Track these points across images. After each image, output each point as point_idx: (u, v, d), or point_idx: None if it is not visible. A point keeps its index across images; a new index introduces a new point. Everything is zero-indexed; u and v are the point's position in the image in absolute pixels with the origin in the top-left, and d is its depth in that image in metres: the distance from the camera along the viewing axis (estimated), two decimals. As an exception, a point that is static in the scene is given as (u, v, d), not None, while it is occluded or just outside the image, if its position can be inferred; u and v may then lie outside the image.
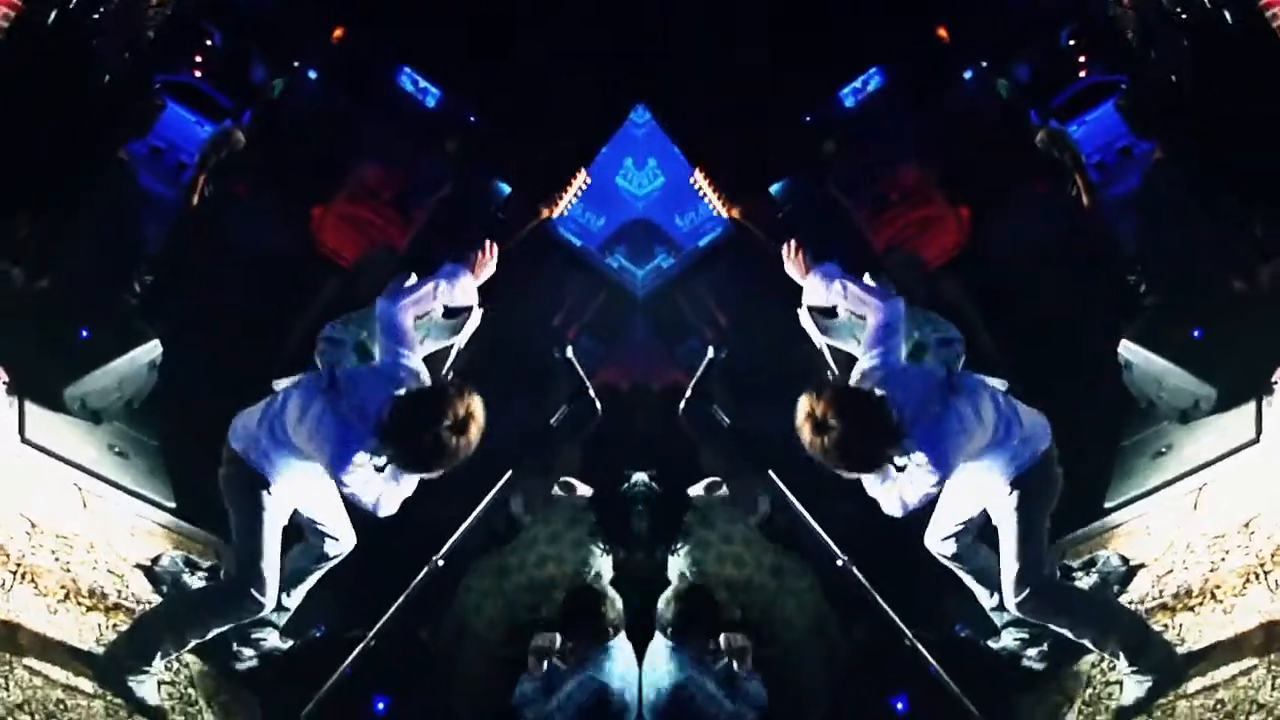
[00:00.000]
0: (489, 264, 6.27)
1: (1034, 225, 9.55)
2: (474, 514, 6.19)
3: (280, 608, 6.16)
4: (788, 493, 5.69)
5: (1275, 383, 7.03)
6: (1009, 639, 6.12)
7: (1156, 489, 6.96)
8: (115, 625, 6.09)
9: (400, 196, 10.00)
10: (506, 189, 10.18)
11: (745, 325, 11.55)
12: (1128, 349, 7.48)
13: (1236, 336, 7.36)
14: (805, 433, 4.93)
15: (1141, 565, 6.39)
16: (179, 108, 9.59)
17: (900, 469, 5.03)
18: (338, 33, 10.47)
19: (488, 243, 6.33)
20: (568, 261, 9.90)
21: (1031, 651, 6.07)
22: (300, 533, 6.13)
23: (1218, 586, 5.71)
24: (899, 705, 5.81)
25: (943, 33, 10.85)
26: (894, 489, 5.18)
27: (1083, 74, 10.87)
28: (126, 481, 6.99)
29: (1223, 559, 5.90)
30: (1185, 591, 5.88)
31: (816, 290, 5.63)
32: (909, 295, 7.88)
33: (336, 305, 7.36)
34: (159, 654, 5.69)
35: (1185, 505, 6.61)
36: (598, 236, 10.15)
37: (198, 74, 9.81)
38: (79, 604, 6.10)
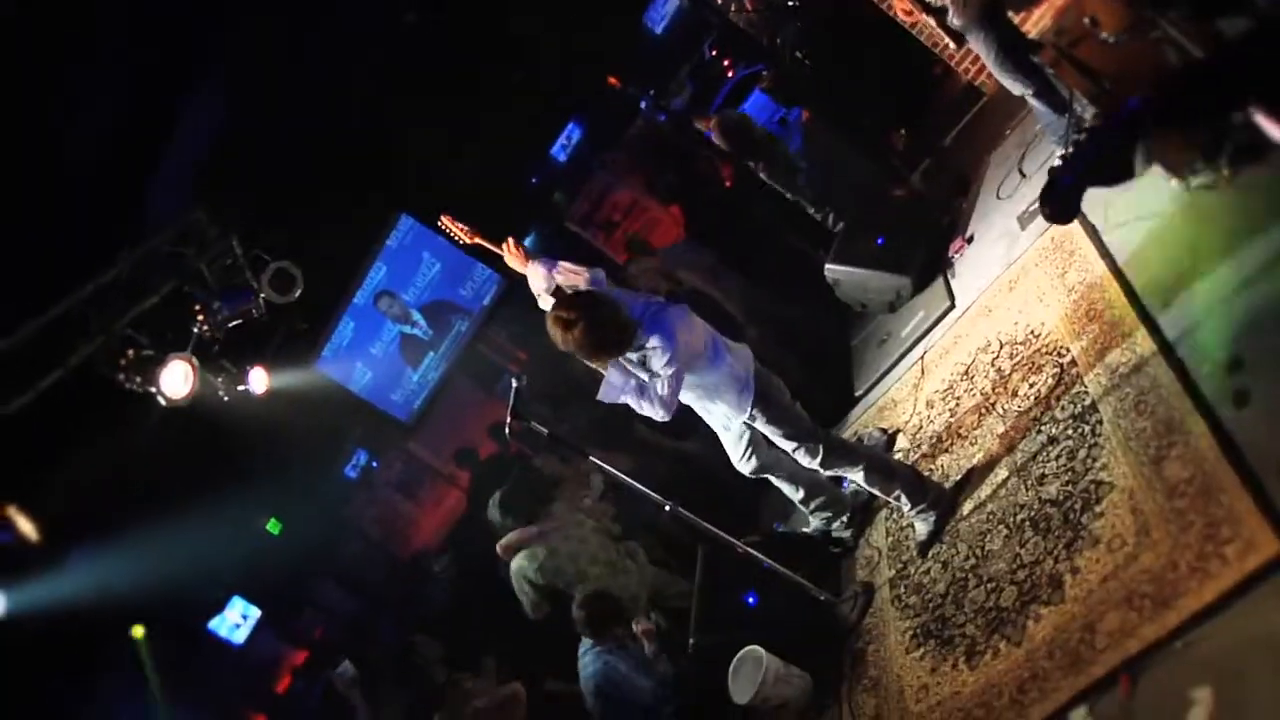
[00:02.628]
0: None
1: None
2: None
3: None
4: (609, 467, 5.47)
5: (952, 258, 7.10)
6: (817, 521, 6.02)
7: (888, 370, 7.00)
8: None
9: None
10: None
11: (538, 352, 11.50)
12: (832, 269, 7.48)
13: (911, 232, 7.42)
14: (557, 335, 4.88)
15: (898, 430, 6.36)
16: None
17: (640, 357, 5.01)
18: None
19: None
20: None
21: (837, 524, 5.98)
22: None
23: (960, 426, 5.69)
24: (750, 600, 5.71)
25: (614, 81, 10.83)
26: (651, 395, 4.99)
27: (730, 74, 11.05)
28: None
29: (957, 404, 5.88)
30: (937, 439, 5.85)
31: (536, 274, 5.46)
32: (656, 289, 7.85)
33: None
34: None
35: (915, 373, 6.61)
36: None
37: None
38: None
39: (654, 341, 4.93)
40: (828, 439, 5.36)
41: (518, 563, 6.76)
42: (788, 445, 5.33)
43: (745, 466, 5.73)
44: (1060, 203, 3.25)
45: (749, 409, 5.25)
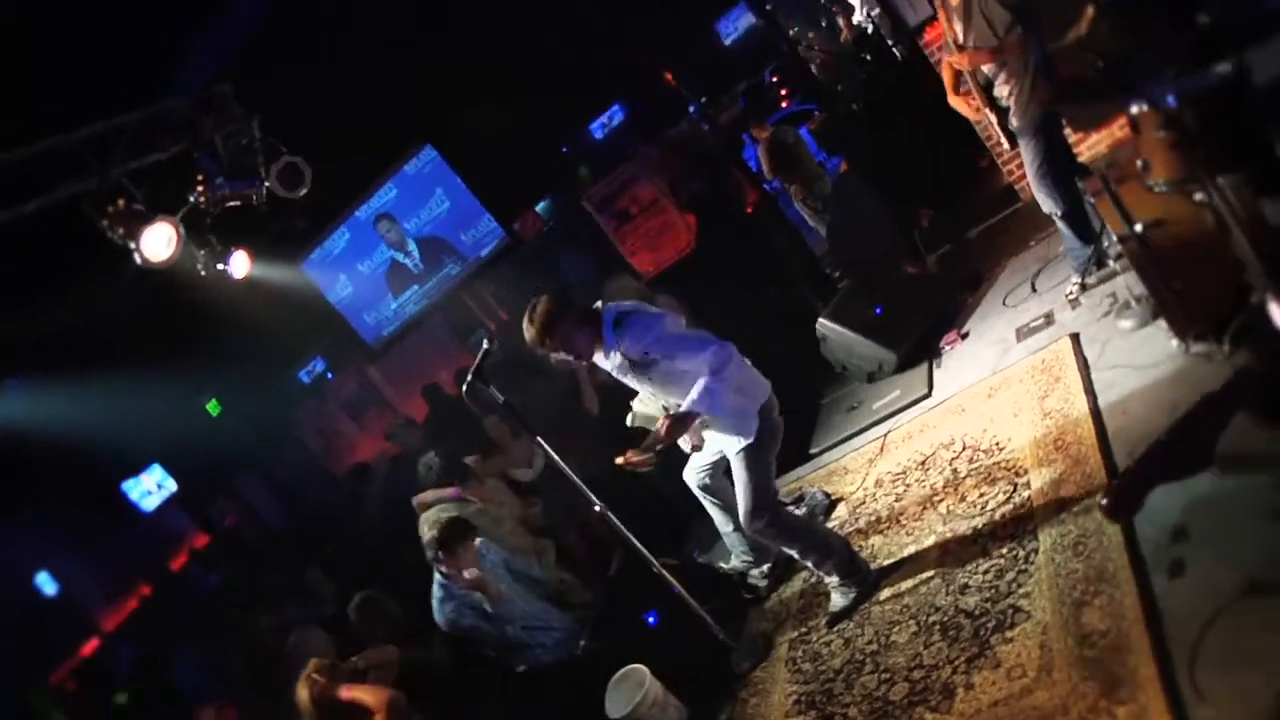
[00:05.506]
0: None
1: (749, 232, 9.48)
2: None
3: None
4: (552, 453, 5.45)
5: (942, 348, 7.10)
6: (738, 561, 6.03)
7: (849, 437, 6.99)
8: None
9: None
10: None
11: (515, 322, 11.47)
12: (824, 325, 7.47)
13: (910, 311, 7.43)
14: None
15: (841, 499, 6.35)
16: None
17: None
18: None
19: None
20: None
21: (756, 571, 5.99)
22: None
23: (902, 513, 5.69)
24: (651, 619, 5.70)
25: (669, 77, 10.80)
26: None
27: (784, 104, 11.08)
28: None
29: (905, 491, 5.88)
30: (876, 518, 5.85)
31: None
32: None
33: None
34: None
35: (873, 449, 6.60)
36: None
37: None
38: None
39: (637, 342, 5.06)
40: (778, 515, 5.28)
41: (433, 515, 6.72)
42: (742, 496, 5.27)
43: (694, 478, 5.73)
44: (1127, 500, 3.26)
45: (738, 440, 5.21)
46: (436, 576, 6.03)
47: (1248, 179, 4.04)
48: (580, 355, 5.25)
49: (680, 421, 5.01)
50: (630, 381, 5.39)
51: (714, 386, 4.91)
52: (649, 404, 6.17)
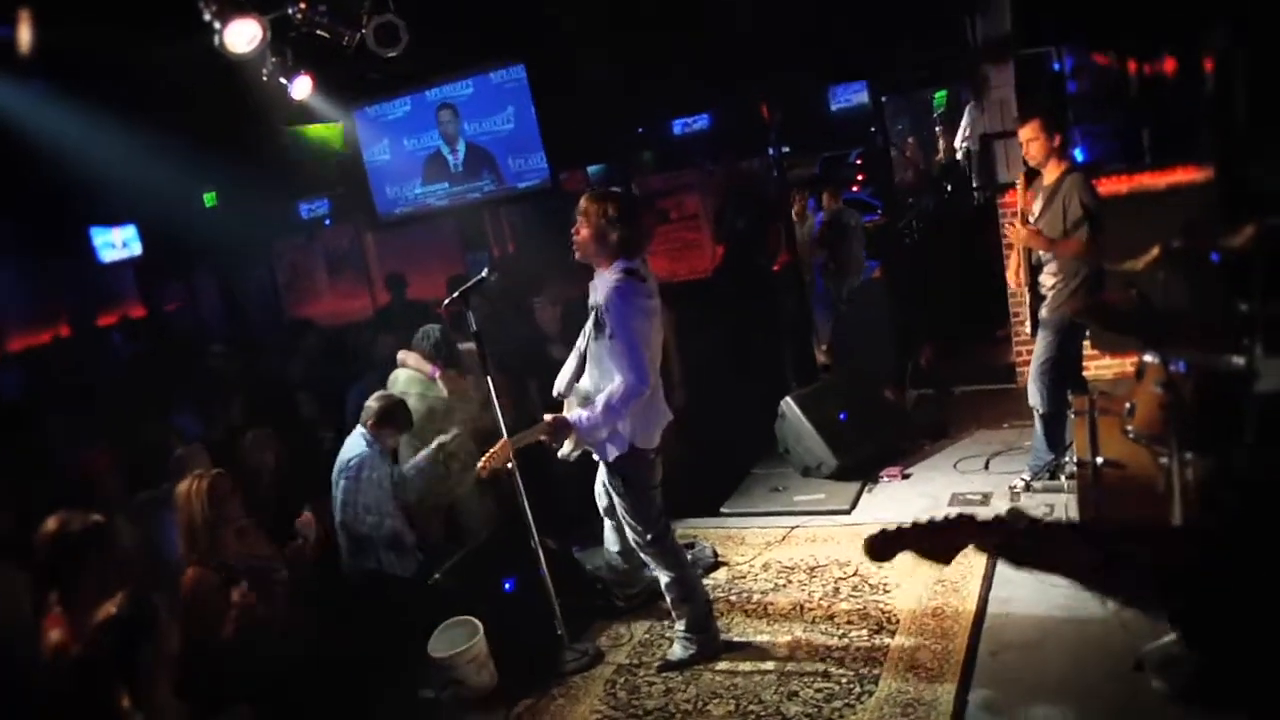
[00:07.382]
0: None
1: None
2: None
3: None
4: (494, 395, 5.57)
5: (881, 478, 7.30)
6: (608, 573, 6.18)
7: (762, 514, 7.17)
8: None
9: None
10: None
11: (520, 260, 11.61)
12: (788, 405, 7.65)
13: (869, 431, 7.62)
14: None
15: (726, 564, 6.51)
16: None
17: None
18: None
19: None
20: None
21: (620, 589, 6.14)
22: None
23: (772, 604, 5.85)
24: (507, 585, 5.84)
25: (765, 111, 10.90)
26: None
27: (855, 188, 11.23)
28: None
29: (785, 585, 6.05)
30: (748, 596, 6.01)
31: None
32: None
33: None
34: None
35: (777, 535, 6.77)
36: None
37: None
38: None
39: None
40: (660, 537, 5.39)
41: (406, 375, 6.98)
42: (624, 518, 5.42)
43: (601, 498, 5.79)
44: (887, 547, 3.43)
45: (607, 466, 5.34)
46: (361, 431, 6.31)
47: (1210, 466, 4.24)
48: (587, 251, 5.17)
49: (561, 428, 5.16)
50: (582, 338, 5.42)
51: (599, 418, 5.03)
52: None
